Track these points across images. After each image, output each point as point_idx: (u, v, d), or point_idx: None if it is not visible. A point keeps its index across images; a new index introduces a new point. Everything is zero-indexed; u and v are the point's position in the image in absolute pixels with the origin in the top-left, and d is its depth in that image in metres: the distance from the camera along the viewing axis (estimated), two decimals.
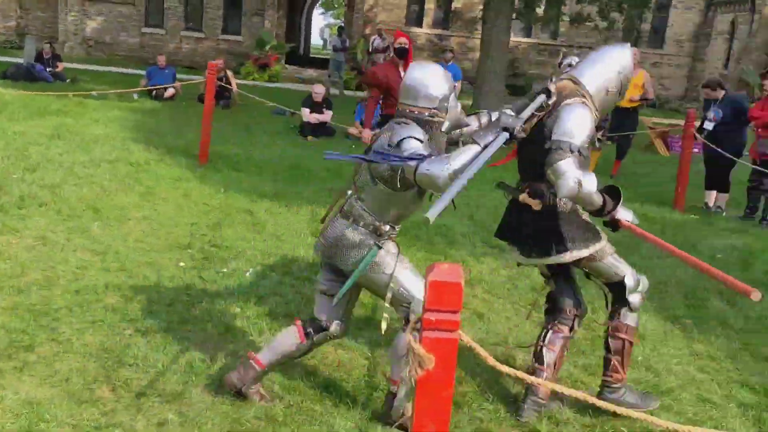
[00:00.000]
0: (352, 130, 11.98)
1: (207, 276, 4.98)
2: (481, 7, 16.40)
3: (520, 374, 2.23)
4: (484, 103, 15.21)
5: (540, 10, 18.39)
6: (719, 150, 8.26)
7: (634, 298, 3.63)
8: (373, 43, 18.85)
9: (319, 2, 49.50)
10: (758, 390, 4.07)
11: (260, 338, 4.09)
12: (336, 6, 61.79)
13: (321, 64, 27.30)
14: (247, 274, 5.09)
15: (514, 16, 15.82)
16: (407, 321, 3.19)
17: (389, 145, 3.05)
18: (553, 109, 3.38)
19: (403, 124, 3.14)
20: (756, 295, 2.57)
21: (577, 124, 3.28)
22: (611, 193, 3.36)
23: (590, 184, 3.16)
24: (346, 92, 19.66)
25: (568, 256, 3.49)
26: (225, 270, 5.12)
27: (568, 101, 3.37)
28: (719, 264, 6.37)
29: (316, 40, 59.88)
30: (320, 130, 11.85)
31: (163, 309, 4.34)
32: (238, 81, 18.02)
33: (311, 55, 38.48)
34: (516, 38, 24.71)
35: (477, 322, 4.69)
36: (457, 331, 1.87)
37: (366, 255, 3.16)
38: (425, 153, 2.91)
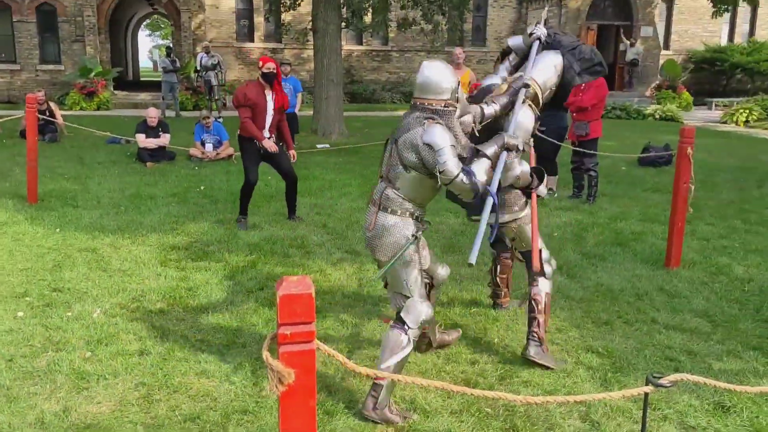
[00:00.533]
0: (194, 152, 11.66)
1: (50, 323, 4.65)
2: (310, 18, 16.51)
3: (386, 374, 2.28)
4: (324, 111, 15.35)
5: (368, 18, 18.83)
6: (542, 137, 8.88)
7: (548, 268, 4.40)
8: (201, 60, 18.41)
9: (144, 24, 47.69)
10: (602, 353, 4.42)
11: (116, 380, 3.89)
12: (162, 26, 59.78)
13: (153, 86, 26.32)
14: (95, 315, 4.82)
15: (343, 24, 16.07)
16: (398, 314, 3.70)
17: (426, 144, 3.44)
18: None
19: (433, 123, 3.50)
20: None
21: (523, 129, 4.09)
22: (537, 172, 4.19)
23: (525, 174, 4.10)
24: (183, 113, 19.07)
25: (507, 216, 4.29)
26: (70, 314, 4.82)
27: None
28: (556, 241, 6.85)
29: (144, 62, 57.58)
30: (159, 154, 11.43)
31: (3, 366, 4.01)
32: (65, 112, 16.98)
33: (141, 79, 36.99)
34: (349, 46, 25.14)
35: (341, 328, 4.73)
36: (313, 342, 1.88)
37: (405, 245, 3.58)
38: (461, 167, 3.42)
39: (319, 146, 13.39)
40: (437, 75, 3.56)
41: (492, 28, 27.50)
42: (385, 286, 3.92)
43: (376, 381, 3.54)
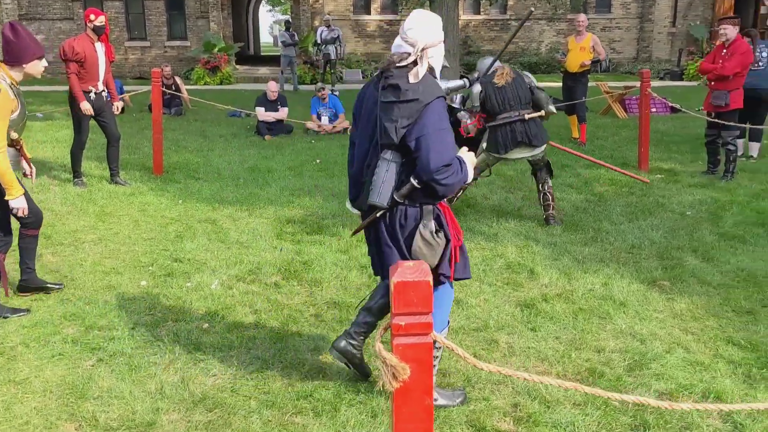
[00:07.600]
0: (310, 125, 11.76)
1: (171, 293, 4.76)
2: None
3: (494, 368, 2.08)
4: (441, 82, 15.07)
5: None
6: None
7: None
8: (321, 34, 18.54)
9: None
10: (745, 345, 4.01)
11: (231, 352, 3.91)
12: (282, 1, 61.02)
13: (273, 61, 26.92)
14: (213, 286, 4.89)
15: None
16: None
17: None
18: None
19: None
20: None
21: None
22: None
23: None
24: (300, 87, 19.36)
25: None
26: (189, 284, 4.91)
27: None
28: (690, 221, 6.34)
29: (265, 37, 59.12)
30: (277, 128, 11.61)
31: (126, 334, 4.12)
32: (190, 86, 17.65)
33: (262, 53, 37.98)
34: (466, 16, 24.60)
35: (455, 309, 4.55)
36: (430, 334, 1.71)
37: None
38: None
39: None
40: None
41: None
42: None
43: None
